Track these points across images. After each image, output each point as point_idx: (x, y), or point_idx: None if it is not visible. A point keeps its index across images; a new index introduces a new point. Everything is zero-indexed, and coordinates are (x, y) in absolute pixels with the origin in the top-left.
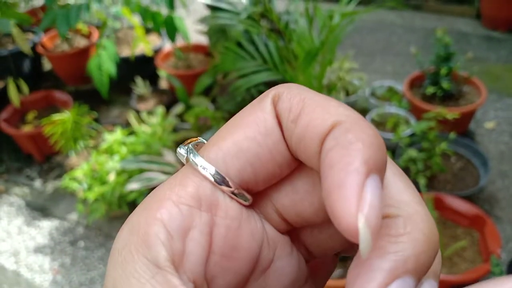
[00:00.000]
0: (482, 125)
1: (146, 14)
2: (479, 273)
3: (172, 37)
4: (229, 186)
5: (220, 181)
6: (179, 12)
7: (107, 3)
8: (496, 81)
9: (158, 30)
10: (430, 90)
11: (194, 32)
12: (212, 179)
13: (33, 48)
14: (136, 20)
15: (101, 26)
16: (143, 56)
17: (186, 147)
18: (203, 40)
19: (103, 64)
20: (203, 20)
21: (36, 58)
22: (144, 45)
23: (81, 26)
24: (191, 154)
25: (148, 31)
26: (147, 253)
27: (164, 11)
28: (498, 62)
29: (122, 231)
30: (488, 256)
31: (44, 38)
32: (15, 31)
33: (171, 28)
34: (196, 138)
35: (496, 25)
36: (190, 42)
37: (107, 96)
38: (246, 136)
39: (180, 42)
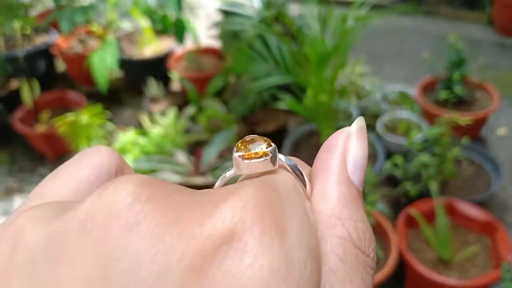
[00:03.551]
0: (494, 131)
1: (154, 16)
2: (490, 279)
3: (180, 39)
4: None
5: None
6: (195, 16)
7: (111, 4)
8: (509, 88)
9: (167, 31)
10: (443, 95)
11: (207, 36)
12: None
13: (48, 49)
14: (145, 21)
15: (107, 26)
16: (156, 58)
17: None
18: (215, 43)
19: (106, 59)
20: (216, 25)
21: (50, 59)
22: (153, 45)
23: (95, 27)
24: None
25: (160, 33)
26: None
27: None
28: (511, 69)
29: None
30: (499, 262)
31: (59, 40)
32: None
33: (180, 30)
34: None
35: (508, 32)
36: (199, 43)
37: (106, 91)
38: None
39: (190, 44)
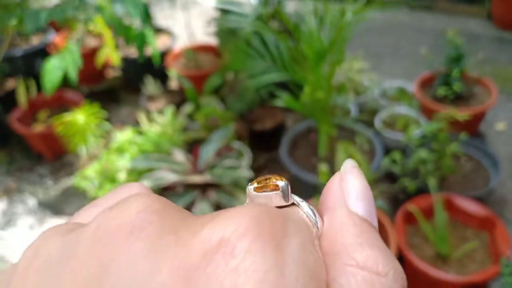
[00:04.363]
0: (493, 126)
1: (119, 27)
2: (489, 274)
3: (140, 51)
4: None
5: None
6: (191, 13)
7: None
8: (507, 83)
9: (129, 43)
10: (441, 90)
11: (204, 33)
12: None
13: (45, 48)
14: (108, 32)
15: (70, 28)
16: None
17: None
18: (212, 40)
19: (67, 67)
20: (212, 22)
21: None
22: (112, 55)
23: (92, 26)
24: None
25: (158, 31)
26: None
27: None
28: (510, 63)
29: None
30: (497, 258)
31: (56, 39)
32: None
33: (140, 43)
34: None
35: (507, 26)
36: (158, 59)
37: (50, 93)
38: None
39: (189, 42)
